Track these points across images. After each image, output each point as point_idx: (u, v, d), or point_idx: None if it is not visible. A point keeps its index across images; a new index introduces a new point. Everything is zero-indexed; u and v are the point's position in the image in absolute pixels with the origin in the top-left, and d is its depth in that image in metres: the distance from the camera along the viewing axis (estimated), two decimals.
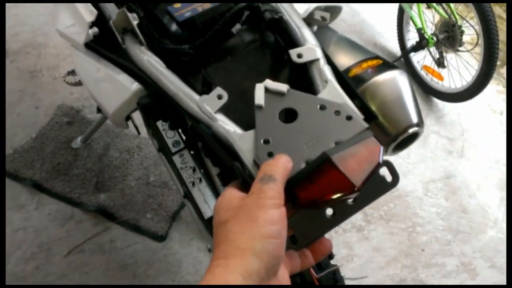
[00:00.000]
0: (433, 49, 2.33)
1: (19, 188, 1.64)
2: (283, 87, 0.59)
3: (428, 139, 2.19)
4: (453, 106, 2.38)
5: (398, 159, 2.05)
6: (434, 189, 2.01)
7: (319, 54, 0.67)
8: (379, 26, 2.72)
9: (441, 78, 2.34)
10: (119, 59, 0.81)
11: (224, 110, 0.62)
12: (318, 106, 0.57)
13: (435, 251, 1.83)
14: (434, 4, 2.24)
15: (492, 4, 2.03)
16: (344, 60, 0.77)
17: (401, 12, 2.44)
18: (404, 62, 2.49)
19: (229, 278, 0.41)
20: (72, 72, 2.02)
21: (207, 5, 0.77)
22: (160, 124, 0.91)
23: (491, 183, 2.14)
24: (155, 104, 0.77)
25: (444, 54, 2.32)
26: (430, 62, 2.39)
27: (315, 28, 0.82)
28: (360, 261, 1.70)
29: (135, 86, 0.79)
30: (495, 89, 2.63)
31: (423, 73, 2.41)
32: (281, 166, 0.49)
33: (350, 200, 0.54)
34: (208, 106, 0.62)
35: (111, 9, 0.81)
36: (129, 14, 0.73)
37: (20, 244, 1.51)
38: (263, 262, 0.43)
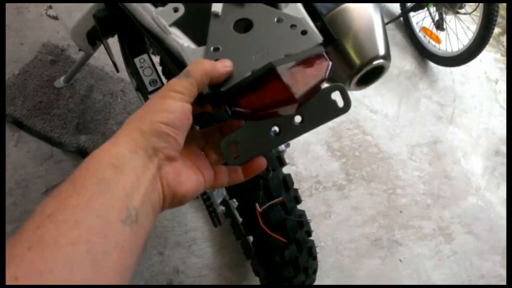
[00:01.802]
0: (433, 9, 2.27)
1: None
2: None
3: (419, 103, 2.17)
4: (448, 71, 2.35)
5: (386, 122, 2.04)
6: (419, 153, 2.00)
7: None
8: None
9: (438, 41, 2.29)
10: None
11: (181, 25, 0.60)
12: (276, 19, 0.55)
13: (413, 213, 1.84)
14: None
15: None
16: None
17: None
18: (403, 22, 2.43)
19: (114, 150, 0.41)
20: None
21: None
22: (138, 61, 0.88)
23: (478, 151, 2.13)
24: (112, 17, 0.74)
25: (444, 15, 2.26)
26: (429, 24, 2.32)
27: None
28: (338, 219, 1.72)
29: None
30: (493, 57, 2.58)
31: (421, 35, 2.35)
32: (204, 65, 0.48)
33: (297, 121, 0.53)
34: (162, 18, 0.59)
35: None
36: None
37: None
38: (149, 143, 0.42)
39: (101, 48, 1.57)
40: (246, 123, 0.52)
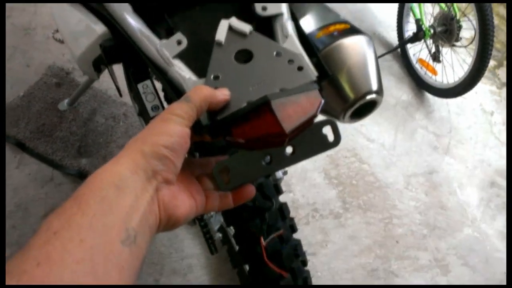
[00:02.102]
0: (429, 41, 2.32)
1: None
2: (246, 27, 0.59)
3: (415, 133, 2.20)
4: (444, 102, 2.39)
5: (383, 151, 2.06)
6: (416, 183, 2.02)
7: (283, 9, 0.67)
8: (380, 15, 2.70)
9: (434, 72, 2.34)
10: (91, 4, 0.81)
11: (183, 57, 0.62)
12: (275, 52, 0.58)
13: (409, 244, 1.86)
14: None
15: (494, 4, 2.01)
16: (312, 22, 0.76)
17: (402, 2, 2.42)
18: (400, 53, 2.48)
19: (116, 169, 0.42)
20: None
21: None
22: (141, 87, 0.91)
23: (474, 182, 2.16)
24: (117, 47, 0.77)
25: (440, 48, 2.32)
26: (425, 56, 2.38)
27: None
28: (334, 248, 1.73)
29: (101, 28, 0.78)
30: (488, 89, 2.63)
31: (417, 66, 2.41)
32: (203, 91, 0.50)
33: (288, 152, 0.55)
34: (166, 50, 0.62)
35: None
36: None
37: None
38: (149, 164, 0.44)
39: (105, 71, 1.61)
40: (239, 151, 0.55)
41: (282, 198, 1.06)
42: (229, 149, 0.91)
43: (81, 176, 1.60)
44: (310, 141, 0.55)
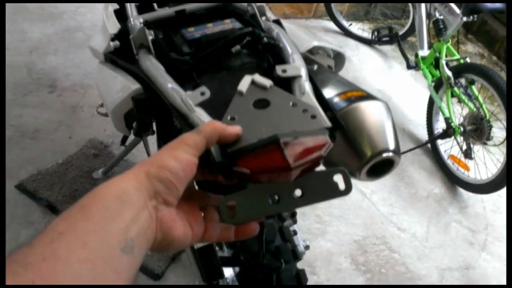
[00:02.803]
0: (460, 139, 2.33)
1: (33, 207, 1.70)
2: (267, 82, 0.64)
3: (449, 227, 2.11)
4: (479, 198, 2.32)
5: (414, 241, 1.98)
6: (451, 277, 1.89)
7: (302, 72, 0.72)
8: (410, 113, 2.77)
9: (467, 168, 2.31)
10: (128, 66, 0.89)
11: (205, 107, 0.68)
12: (291, 103, 0.61)
13: None
14: (464, 98, 2.28)
15: None
16: (330, 90, 0.80)
17: (431, 102, 2.50)
18: (431, 149, 2.49)
19: (122, 184, 0.44)
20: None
21: (217, 29, 0.87)
22: None
23: None
24: (147, 99, 0.83)
25: (472, 145, 2.31)
26: (457, 152, 2.37)
27: (316, 66, 0.87)
28: None
29: (135, 85, 0.86)
30: None
31: (449, 162, 2.39)
32: (215, 126, 0.52)
33: (297, 194, 0.55)
34: (190, 99, 0.68)
35: (135, 26, 0.91)
36: (147, 31, 0.82)
37: None
38: (152, 185, 0.45)
39: (140, 146, 1.70)
40: (248, 187, 0.55)
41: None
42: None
43: None
44: (320, 186, 0.55)
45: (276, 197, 0.54)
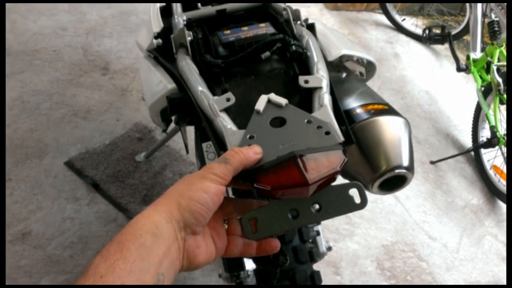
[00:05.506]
0: (505, 150, 2.25)
1: (79, 183, 1.82)
2: (282, 101, 0.68)
3: (483, 239, 2.07)
4: None
5: (445, 251, 1.96)
6: None
7: (323, 83, 0.76)
8: (455, 118, 2.70)
9: None
10: (167, 65, 0.96)
11: (230, 112, 0.73)
12: (306, 120, 0.66)
13: None
14: None
15: None
16: (353, 101, 0.83)
17: (478, 108, 2.42)
18: (474, 158, 2.42)
19: (155, 217, 0.49)
20: None
21: (251, 33, 0.91)
22: (205, 146, 1.01)
23: None
24: (180, 99, 0.88)
25: None
26: (500, 163, 2.30)
27: (344, 74, 0.89)
28: None
29: (171, 85, 0.92)
30: None
31: (491, 172, 2.32)
32: (241, 154, 0.56)
33: (315, 208, 0.59)
34: (216, 104, 0.73)
35: (178, 24, 0.97)
36: (186, 32, 0.88)
37: (64, 232, 1.66)
38: (183, 217, 0.50)
39: (180, 133, 1.77)
40: (269, 203, 0.60)
41: (329, 280, 1.05)
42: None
43: None
44: (336, 200, 0.59)
45: (295, 212, 0.59)
